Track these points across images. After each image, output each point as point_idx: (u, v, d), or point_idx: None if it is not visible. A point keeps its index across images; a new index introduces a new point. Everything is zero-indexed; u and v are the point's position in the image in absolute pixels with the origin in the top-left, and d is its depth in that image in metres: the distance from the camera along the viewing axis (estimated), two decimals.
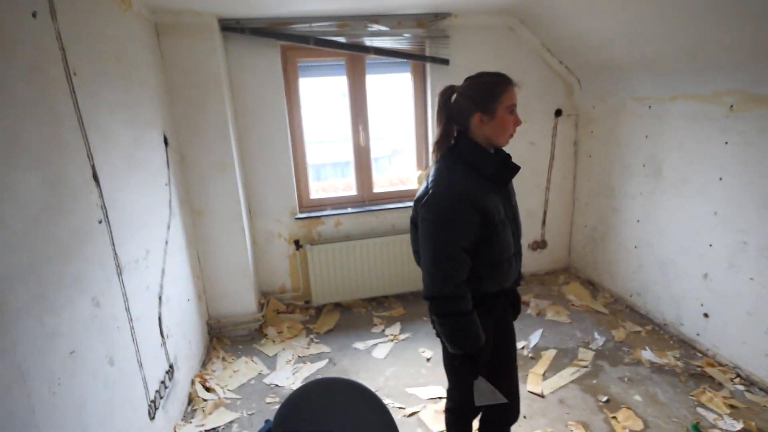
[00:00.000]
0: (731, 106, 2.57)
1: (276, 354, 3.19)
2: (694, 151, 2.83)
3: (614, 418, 2.44)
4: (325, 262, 3.63)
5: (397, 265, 3.77)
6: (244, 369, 3.03)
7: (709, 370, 2.75)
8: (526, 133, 3.89)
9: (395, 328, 3.45)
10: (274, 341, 3.35)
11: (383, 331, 3.43)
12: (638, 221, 3.37)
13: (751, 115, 2.47)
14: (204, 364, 3.06)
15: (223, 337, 3.41)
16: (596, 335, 3.24)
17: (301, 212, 3.68)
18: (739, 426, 2.32)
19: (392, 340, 3.29)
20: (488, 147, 1.56)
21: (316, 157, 9.29)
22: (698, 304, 2.94)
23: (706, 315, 2.90)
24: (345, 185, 4.02)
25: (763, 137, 2.43)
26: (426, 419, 2.49)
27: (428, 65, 3.57)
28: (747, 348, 2.63)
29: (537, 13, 3.29)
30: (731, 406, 2.46)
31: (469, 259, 1.47)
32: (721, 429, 2.30)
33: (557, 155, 4.03)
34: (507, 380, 1.77)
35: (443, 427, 2.38)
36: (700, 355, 2.94)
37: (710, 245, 2.80)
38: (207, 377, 2.90)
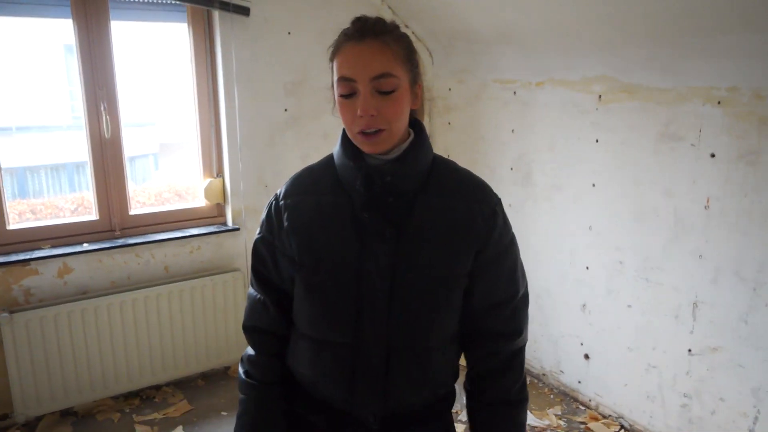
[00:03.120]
0: (600, 96, 2.26)
1: None
2: (566, 150, 2.42)
3: None
4: (40, 340, 2.32)
5: (177, 330, 2.54)
6: None
7: (592, 425, 2.36)
8: None
9: None
10: None
11: None
12: None
13: (620, 107, 2.19)
14: None
15: None
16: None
17: None
18: None
19: None
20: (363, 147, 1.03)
21: (19, 155, 6.38)
22: (578, 344, 2.49)
23: (586, 356, 2.47)
24: (77, 204, 2.80)
25: (633, 135, 2.16)
26: None
27: (216, 14, 2.63)
28: (628, 391, 2.32)
29: None
30: None
31: (271, 302, 1.12)
32: None
33: None
34: None
35: None
36: (582, 407, 2.48)
37: (587, 268, 2.39)
38: None
